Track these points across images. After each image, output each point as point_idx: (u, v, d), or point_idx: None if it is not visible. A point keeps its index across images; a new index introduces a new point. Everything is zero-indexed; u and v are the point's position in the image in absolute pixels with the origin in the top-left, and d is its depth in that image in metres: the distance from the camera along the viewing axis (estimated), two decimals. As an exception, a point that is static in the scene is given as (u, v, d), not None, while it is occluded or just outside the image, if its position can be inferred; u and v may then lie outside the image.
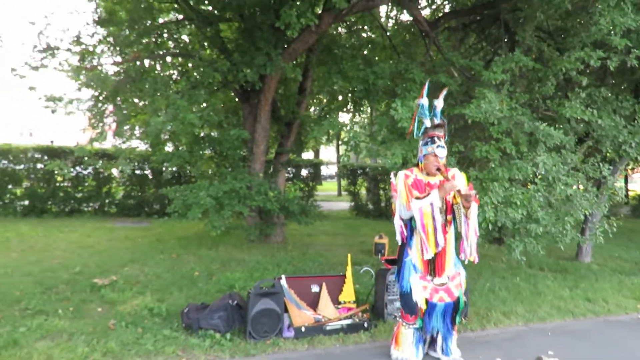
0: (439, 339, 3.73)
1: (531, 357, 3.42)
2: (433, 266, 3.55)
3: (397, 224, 3.62)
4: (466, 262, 3.62)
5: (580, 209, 5.38)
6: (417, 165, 3.74)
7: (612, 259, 8.09)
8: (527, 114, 5.51)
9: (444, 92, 3.73)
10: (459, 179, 3.61)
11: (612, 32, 5.18)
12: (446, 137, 3.69)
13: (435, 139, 3.57)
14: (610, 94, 6.13)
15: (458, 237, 3.58)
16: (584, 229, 7.30)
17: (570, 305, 5.35)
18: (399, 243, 3.70)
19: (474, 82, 6.46)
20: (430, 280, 3.54)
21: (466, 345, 4.05)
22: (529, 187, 5.31)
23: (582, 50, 5.40)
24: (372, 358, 3.75)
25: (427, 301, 3.53)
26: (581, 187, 5.79)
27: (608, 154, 6.58)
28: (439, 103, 3.62)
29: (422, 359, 3.67)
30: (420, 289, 3.53)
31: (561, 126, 5.81)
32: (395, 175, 3.72)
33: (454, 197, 3.48)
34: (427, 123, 3.62)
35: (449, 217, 3.55)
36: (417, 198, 3.46)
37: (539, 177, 5.35)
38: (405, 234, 3.62)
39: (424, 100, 3.59)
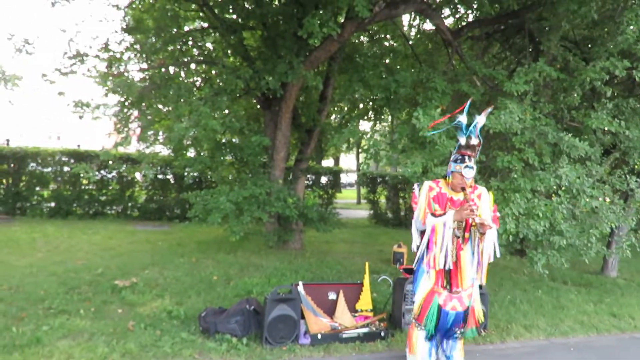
0: (444, 344, 3.73)
1: (552, 373, 3.34)
2: (449, 278, 3.53)
3: (415, 232, 3.64)
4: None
5: (606, 222, 5.24)
6: (444, 177, 3.70)
7: (640, 275, 7.85)
8: (551, 124, 5.41)
9: (488, 110, 3.66)
10: (484, 200, 3.56)
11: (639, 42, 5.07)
12: (476, 156, 3.59)
13: (466, 158, 3.48)
14: (639, 105, 5.97)
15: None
16: (610, 242, 7.11)
17: (594, 320, 5.21)
18: (413, 249, 3.70)
19: (496, 91, 6.39)
20: (445, 288, 3.53)
21: (484, 358, 3.98)
22: (552, 198, 5.21)
23: (608, 60, 5.29)
24: (388, 368, 3.72)
25: (440, 308, 3.52)
26: (607, 199, 5.64)
27: (636, 166, 6.40)
28: (481, 120, 3.54)
29: None
30: (424, 293, 3.55)
31: (586, 137, 5.69)
32: (420, 186, 3.70)
33: (474, 219, 3.43)
34: (462, 141, 3.55)
35: (467, 234, 3.50)
36: (433, 215, 3.47)
37: (563, 188, 5.24)
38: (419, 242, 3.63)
39: (463, 118, 3.53)
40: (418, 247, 3.66)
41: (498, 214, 3.67)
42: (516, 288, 6.39)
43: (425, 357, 3.61)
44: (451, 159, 3.60)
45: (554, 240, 4.97)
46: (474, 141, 3.52)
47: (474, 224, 3.45)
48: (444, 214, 3.44)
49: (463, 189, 3.45)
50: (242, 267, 6.78)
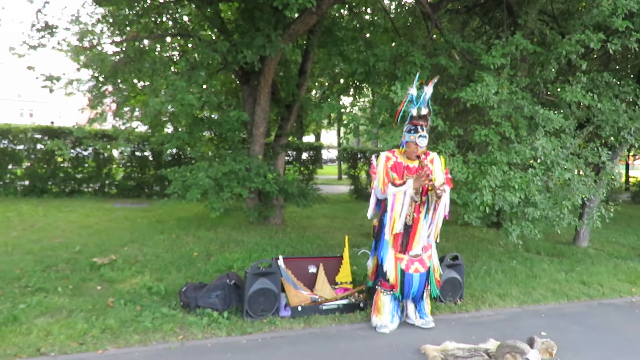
0: (411, 306, 4.08)
1: (524, 338, 3.46)
2: (406, 241, 3.88)
3: (372, 201, 4.00)
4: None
5: (577, 194, 5.39)
6: (398, 147, 4.00)
7: (610, 244, 8.12)
8: (528, 97, 5.48)
9: (434, 81, 3.92)
10: (437, 165, 3.91)
11: (614, 15, 5.12)
12: (429, 124, 3.94)
13: (419, 128, 3.79)
14: (613, 79, 6.07)
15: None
16: (582, 214, 7.32)
17: (565, 288, 5.40)
18: (369, 217, 4.05)
19: (475, 65, 6.40)
20: (406, 253, 3.88)
21: (460, 326, 4.11)
22: (528, 171, 5.31)
23: (583, 33, 5.34)
24: (366, 337, 3.81)
25: (403, 272, 3.87)
26: (581, 172, 5.79)
27: (611, 139, 6.54)
28: (429, 90, 3.80)
29: (397, 325, 3.99)
30: (392, 261, 3.88)
31: (562, 111, 5.78)
32: (377, 157, 3.97)
33: (431, 185, 3.76)
34: (414, 112, 3.81)
35: (424, 198, 3.85)
36: (394, 184, 3.76)
37: (538, 161, 5.35)
38: (376, 211, 4.03)
39: (413, 91, 3.80)
40: (378, 218, 4.00)
41: (450, 176, 4.05)
42: (492, 259, 6.56)
43: (389, 318, 3.94)
44: (404, 129, 3.90)
45: (528, 211, 5.11)
46: (424, 111, 3.81)
47: (430, 188, 3.75)
48: (404, 183, 3.74)
49: (418, 157, 3.77)
50: (223, 243, 6.78)
